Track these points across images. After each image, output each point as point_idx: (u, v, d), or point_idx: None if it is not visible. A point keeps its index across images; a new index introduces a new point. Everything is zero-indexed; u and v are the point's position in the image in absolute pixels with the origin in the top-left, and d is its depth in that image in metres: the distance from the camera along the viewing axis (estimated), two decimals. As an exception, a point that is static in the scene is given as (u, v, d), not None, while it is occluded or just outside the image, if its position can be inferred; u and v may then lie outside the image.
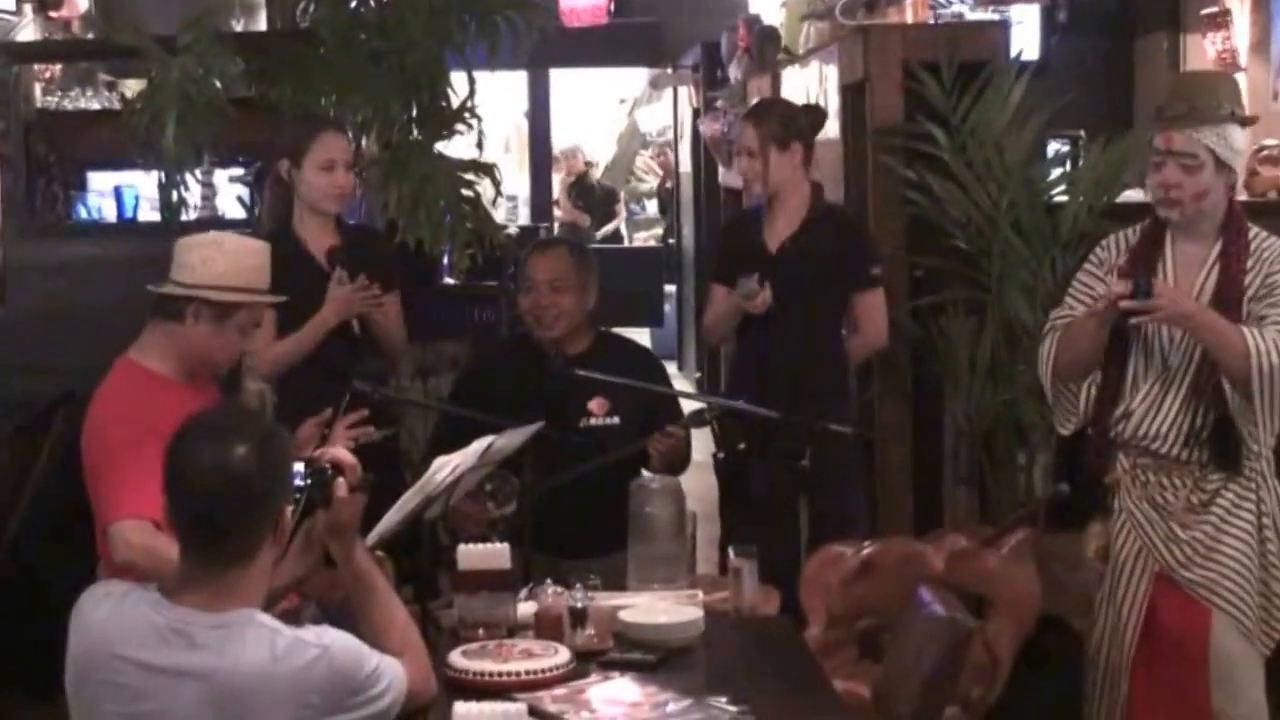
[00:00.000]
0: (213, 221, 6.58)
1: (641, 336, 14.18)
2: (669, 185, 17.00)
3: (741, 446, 5.63)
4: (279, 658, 2.98)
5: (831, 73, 7.15)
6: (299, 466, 3.29)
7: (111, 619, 3.06)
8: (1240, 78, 8.74)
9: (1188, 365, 4.67)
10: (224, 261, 4.40)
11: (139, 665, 3.00)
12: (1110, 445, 4.83)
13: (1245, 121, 4.70)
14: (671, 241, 16.08)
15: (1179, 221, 4.69)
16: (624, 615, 4.15)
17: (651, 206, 18.84)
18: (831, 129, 7.00)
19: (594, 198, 17.68)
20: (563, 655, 3.87)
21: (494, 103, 13.13)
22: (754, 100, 8.48)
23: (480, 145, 7.02)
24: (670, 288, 15.50)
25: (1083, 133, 7.10)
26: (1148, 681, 4.78)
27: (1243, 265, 4.62)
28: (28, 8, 10.04)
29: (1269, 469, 4.69)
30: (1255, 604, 4.67)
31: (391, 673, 3.18)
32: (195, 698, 2.96)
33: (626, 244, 17.67)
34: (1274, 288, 4.58)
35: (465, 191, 6.82)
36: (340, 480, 3.35)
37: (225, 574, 3.05)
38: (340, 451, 3.48)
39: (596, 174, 17.84)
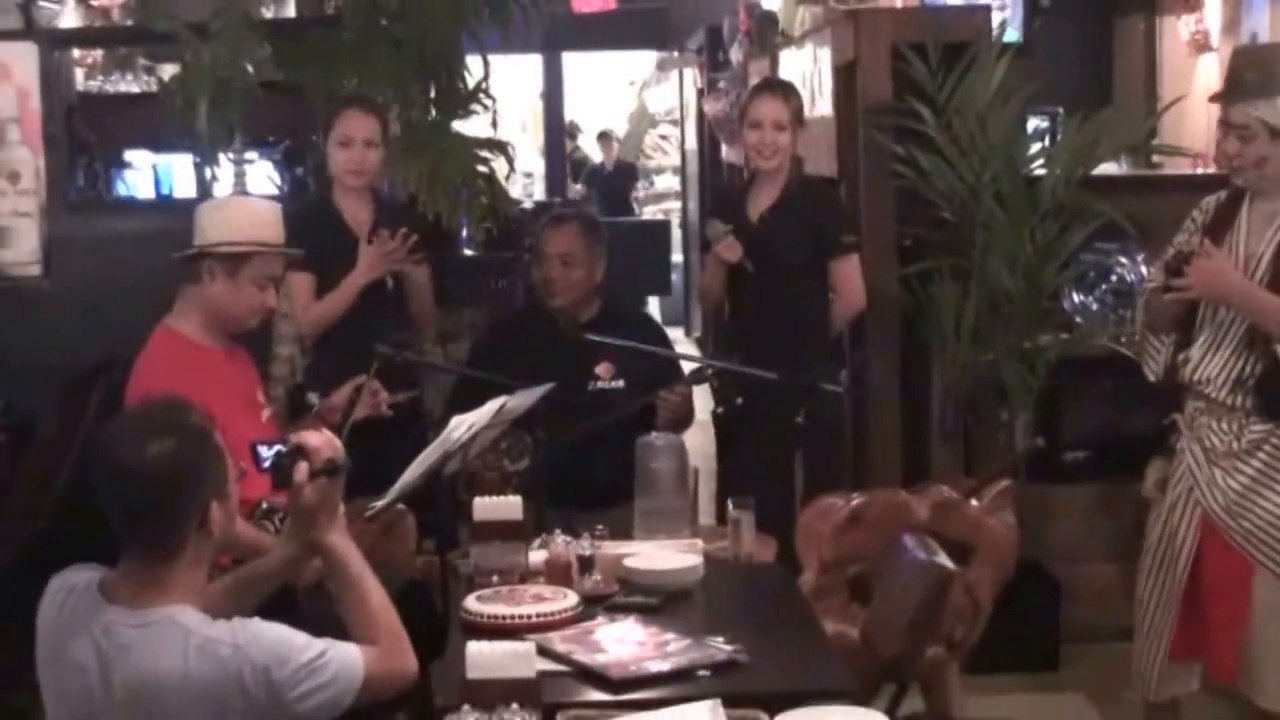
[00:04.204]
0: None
1: (650, 303, 14.25)
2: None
3: (739, 401, 5.67)
4: (190, 658, 2.86)
5: (825, 54, 7.16)
6: (279, 448, 3.19)
7: (58, 617, 3.00)
8: (1211, 58, 8.75)
9: (1239, 318, 4.68)
10: (232, 219, 4.46)
11: (75, 666, 2.94)
12: (1178, 388, 4.85)
13: None
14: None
15: (1247, 186, 4.72)
16: (629, 562, 4.20)
17: (660, 182, 18.84)
18: (824, 107, 7.03)
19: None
20: (571, 599, 3.91)
21: (511, 85, 13.15)
22: (754, 80, 8.49)
23: (495, 124, 7.07)
24: (678, 258, 15.51)
25: (1060, 109, 7.12)
26: (1194, 616, 4.80)
27: None
28: (69, -4, 10.07)
29: None
30: None
31: (341, 663, 2.98)
32: (122, 696, 2.89)
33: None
34: None
35: (480, 168, 6.88)
36: (301, 465, 3.14)
37: (150, 569, 2.95)
38: (309, 435, 3.23)
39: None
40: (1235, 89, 4.71)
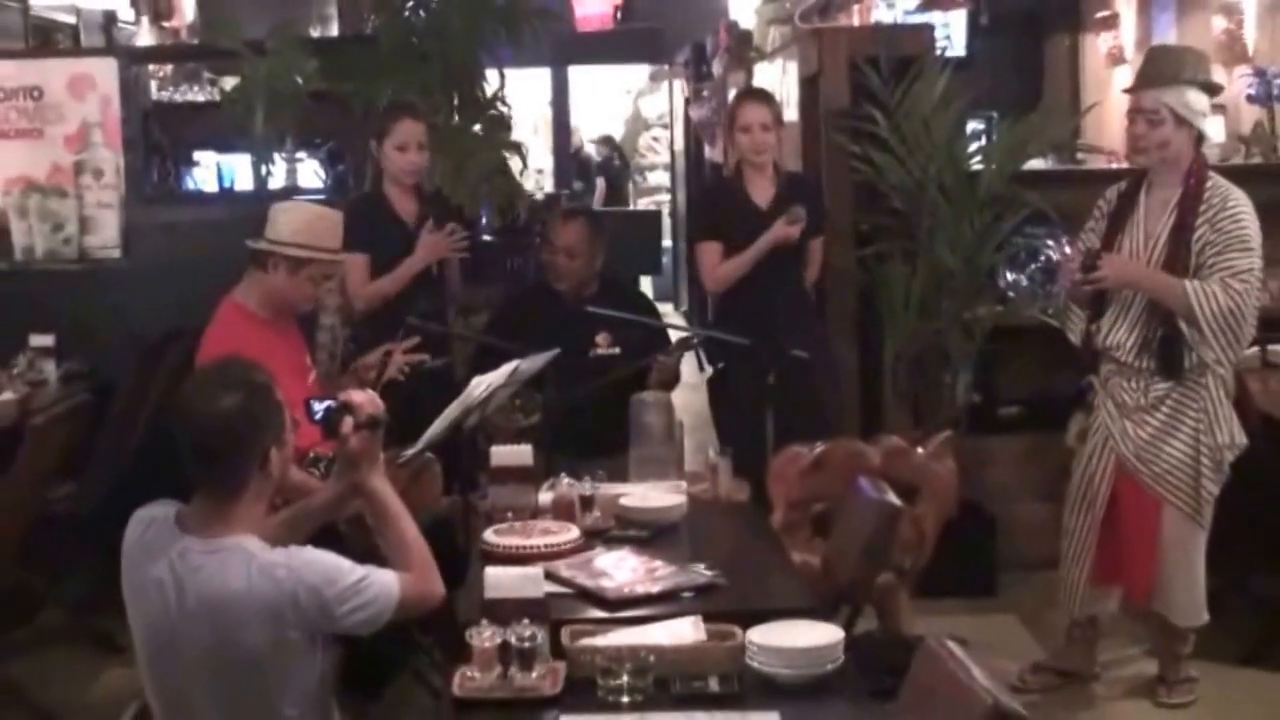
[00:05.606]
0: (293, 191, 6.61)
1: (643, 282, 14.23)
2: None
3: (721, 366, 5.68)
4: (252, 578, 2.89)
5: (792, 67, 7.16)
6: (329, 404, 3.17)
7: (138, 543, 3.03)
8: (1126, 69, 8.75)
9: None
10: (300, 223, 4.45)
11: (154, 583, 2.95)
12: (1094, 353, 4.88)
13: (1209, 87, 4.71)
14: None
15: (1147, 166, 4.74)
16: (624, 501, 4.22)
17: (652, 178, 18.79)
18: (792, 113, 7.02)
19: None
20: (574, 532, 3.93)
21: (526, 94, 13.11)
22: (733, 90, 8.49)
23: (509, 127, 7.07)
24: (667, 243, 15.50)
25: (996, 113, 7.12)
26: (1111, 546, 4.85)
27: (1195, 210, 4.64)
28: (145, 19, 10.06)
29: (1216, 385, 4.69)
30: (1196, 497, 4.73)
31: (380, 585, 2.99)
32: (195, 611, 2.91)
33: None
34: (1219, 234, 4.60)
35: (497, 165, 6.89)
36: (347, 419, 3.14)
37: (219, 505, 2.98)
38: (354, 393, 3.24)
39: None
40: (1147, 79, 4.72)
